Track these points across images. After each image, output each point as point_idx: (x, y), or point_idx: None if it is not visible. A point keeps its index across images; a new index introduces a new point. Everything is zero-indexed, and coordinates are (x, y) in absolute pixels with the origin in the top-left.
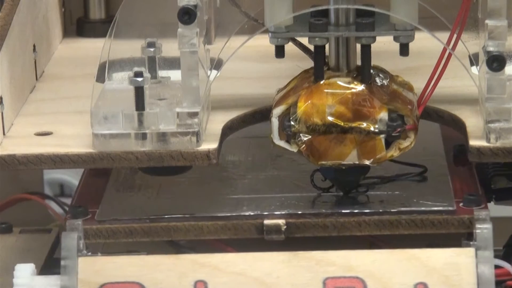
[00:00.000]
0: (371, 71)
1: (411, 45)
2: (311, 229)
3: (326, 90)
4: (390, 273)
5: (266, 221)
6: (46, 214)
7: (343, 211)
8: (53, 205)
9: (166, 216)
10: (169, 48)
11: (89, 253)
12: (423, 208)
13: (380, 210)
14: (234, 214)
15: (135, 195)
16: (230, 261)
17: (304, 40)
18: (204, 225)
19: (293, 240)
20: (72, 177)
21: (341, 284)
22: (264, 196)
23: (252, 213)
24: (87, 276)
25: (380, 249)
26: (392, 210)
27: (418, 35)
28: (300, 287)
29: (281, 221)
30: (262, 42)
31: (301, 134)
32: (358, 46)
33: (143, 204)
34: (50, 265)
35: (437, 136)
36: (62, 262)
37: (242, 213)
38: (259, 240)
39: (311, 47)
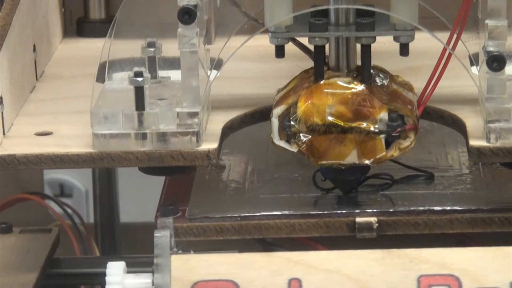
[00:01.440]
0: (371, 71)
1: (411, 45)
2: (402, 227)
3: (326, 90)
4: (485, 271)
5: (358, 219)
6: (46, 214)
7: (435, 208)
8: (53, 205)
9: (257, 214)
10: (169, 48)
11: (179, 251)
12: None
13: (473, 208)
14: (326, 212)
15: (223, 192)
16: (324, 259)
17: (304, 40)
18: (296, 223)
19: (383, 238)
20: (72, 177)
21: (435, 282)
22: (354, 194)
23: (344, 211)
24: (180, 274)
25: (474, 247)
26: (485, 208)
27: (418, 35)
28: (394, 285)
29: (373, 219)
30: (262, 42)
31: (301, 134)
32: (358, 46)
33: (232, 201)
34: (50, 265)
35: None
36: (155, 260)
37: (334, 211)
38: (348, 237)
39: (311, 47)
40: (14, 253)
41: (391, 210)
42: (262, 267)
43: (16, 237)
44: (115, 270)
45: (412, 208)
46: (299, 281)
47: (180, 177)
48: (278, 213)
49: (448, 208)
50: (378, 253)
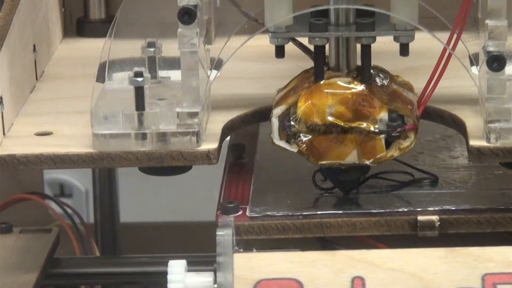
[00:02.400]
0: (371, 71)
1: (411, 45)
2: (464, 225)
3: (326, 90)
4: None
5: (420, 217)
6: (46, 214)
7: (498, 207)
8: (53, 205)
9: (319, 212)
10: (169, 48)
11: (241, 250)
12: None
13: None
14: (387, 210)
15: (281, 189)
16: (387, 257)
17: (304, 40)
18: (357, 221)
19: (444, 236)
20: (72, 177)
21: (500, 280)
22: (415, 193)
23: (405, 209)
24: (242, 273)
25: None
26: None
27: (418, 35)
28: (458, 283)
29: (434, 217)
30: (262, 42)
31: (301, 134)
32: (358, 46)
33: (291, 199)
34: (50, 265)
35: None
36: (217, 259)
37: (395, 209)
38: (408, 236)
39: (311, 47)
40: (14, 253)
41: (453, 208)
42: (325, 265)
43: (16, 237)
44: (176, 269)
45: (474, 206)
46: (362, 279)
47: (238, 174)
48: (340, 211)
49: None
50: (441, 251)
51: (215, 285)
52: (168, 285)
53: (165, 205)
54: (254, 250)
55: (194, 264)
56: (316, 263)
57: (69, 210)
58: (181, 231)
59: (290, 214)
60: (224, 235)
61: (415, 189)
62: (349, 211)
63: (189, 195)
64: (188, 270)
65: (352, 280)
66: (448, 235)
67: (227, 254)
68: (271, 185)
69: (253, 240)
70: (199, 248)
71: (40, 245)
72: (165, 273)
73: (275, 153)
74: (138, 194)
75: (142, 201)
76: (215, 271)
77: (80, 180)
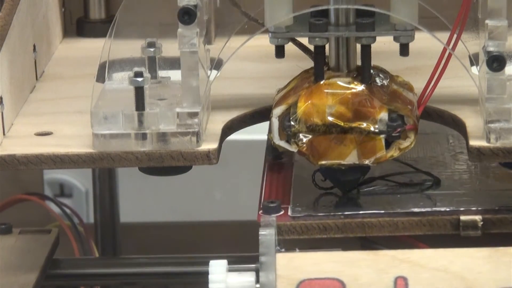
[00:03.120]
0: (371, 71)
1: (411, 45)
2: (508, 225)
3: (326, 90)
4: None
5: (463, 217)
6: (46, 214)
7: None
8: (53, 206)
9: (360, 212)
10: (169, 48)
11: (283, 249)
12: None
13: None
14: (429, 209)
15: (322, 189)
16: (430, 257)
17: (304, 40)
18: (399, 221)
19: (486, 236)
20: (72, 177)
21: None
22: (456, 192)
23: (448, 209)
24: (285, 273)
25: None
26: None
27: (418, 35)
28: (503, 283)
29: (477, 217)
30: (262, 42)
31: (301, 134)
32: (358, 46)
33: (333, 199)
34: (50, 266)
35: None
36: (260, 258)
37: (437, 209)
38: (450, 236)
39: (311, 47)
40: (13, 254)
41: (496, 208)
42: (368, 265)
43: (15, 238)
44: (218, 268)
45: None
46: (405, 279)
47: (278, 174)
48: (382, 211)
49: None
50: (484, 251)
51: (257, 285)
52: (210, 285)
53: (165, 205)
54: (297, 250)
55: (236, 263)
56: (358, 263)
57: (68, 211)
58: (181, 231)
59: (332, 214)
60: (267, 234)
61: (454, 188)
62: (391, 211)
63: (189, 195)
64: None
65: (395, 280)
66: (491, 235)
67: (270, 254)
68: (311, 184)
69: (293, 240)
70: (199, 249)
71: (39, 246)
72: (164, 274)
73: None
74: (138, 194)
75: (142, 201)
76: (257, 271)
77: (80, 180)
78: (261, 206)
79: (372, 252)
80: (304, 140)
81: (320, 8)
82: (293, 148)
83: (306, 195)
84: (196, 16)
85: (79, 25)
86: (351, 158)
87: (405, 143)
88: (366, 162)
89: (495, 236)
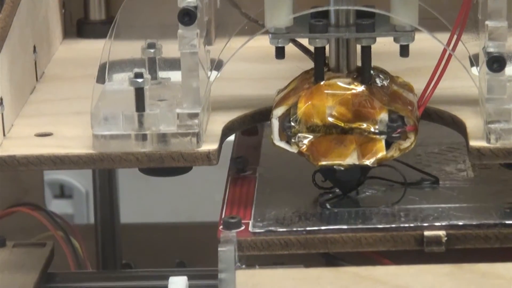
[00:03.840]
0: (371, 72)
1: (411, 46)
2: (472, 241)
3: (326, 91)
4: None
5: (426, 233)
6: (41, 224)
7: (506, 221)
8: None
9: (323, 228)
10: (170, 49)
11: (243, 266)
12: None
13: None
14: (393, 225)
15: (286, 203)
16: (393, 274)
17: (305, 41)
18: (363, 237)
19: (451, 252)
20: (72, 178)
21: None
22: (421, 207)
23: (411, 225)
24: None
25: None
26: None
27: (418, 36)
28: None
29: (441, 232)
30: (263, 43)
31: (301, 135)
32: (358, 47)
33: (295, 213)
34: (44, 280)
35: None
36: (220, 275)
37: (401, 225)
38: (414, 252)
39: (312, 48)
40: (7, 268)
41: (461, 223)
42: (330, 282)
43: (10, 251)
44: (177, 285)
45: (482, 222)
46: None
47: (240, 188)
48: (345, 226)
49: None
50: (448, 267)
51: None
52: None
53: (165, 206)
54: (257, 267)
55: (195, 278)
56: (320, 280)
57: (64, 219)
58: (181, 232)
59: (293, 229)
60: (226, 251)
61: (419, 203)
62: (354, 226)
63: (190, 196)
64: (190, 284)
65: None
66: (456, 250)
67: (230, 271)
68: (274, 199)
69: (256, 256)
70: (199, 249)
71: (34, 259)
72: (161, 287)
73: (278, 166)
74: (138, 195)
75: (143, 202)
76: None
77: (80, 181)
78: (222, 222)
79: (334, 269)
80: (304, 141)
81: (320, 9)
82: (293, 149)
83: (268, 210)
84: (196, 17)
85: (79, 26)
86: (351, 159)
87: (405, 144)
88: (366, 162)
89: (460, 251)
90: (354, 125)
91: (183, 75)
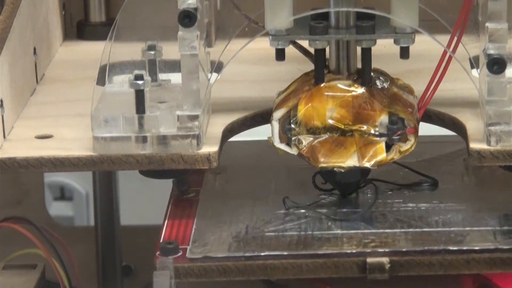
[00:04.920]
0: (372, 74)
1: (411, 48)
2: (416, 268)
3: (326, 93)
4: None
5: (369, 259)
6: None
7: (450, 248)
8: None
9: (262, 254)
10: (170, 51)
11: None
12: None
13: (491, 247)
14: (335, 251)
15: (226, 229)
16: None
17: (305, 43)
18: (304, 263)
19: (395, 279)
20: (72, 180)
21: None
22: (364, 232)
23: (354, 251)
24: None
25: None
26: (505, 247)
27: (418, 38)
28: None
29: (384, 259)
30: (263, 45)
31: (301, 137)
32: (359, 49)
33: (235, 239)
34: None
35: None
36: None
37: (344, 251)
38: (357, 278)
39: (312, 50)
40: None
41: (404, 250)
42: None
43: None
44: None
45: (426, 248)
46: None
47: (182, 212)
48: (285, 253)
49: (465, 248)
50: None
51: None
52: None
53: (165, 208)
54: None
55: None
56: None
57: (66, 218)
58: None
59: (232, 255)
60: (161, 277)
61: (364, 228)
62: (295, 252)
63: None
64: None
65: None
66: (399, 277)
67: None
68: (214, 223)
69: (194, 283)
70: None
71: (24, 281)
72: None
73: (221, 189)
74: (138, 197)
75: (143, 204)
76: None
77: (80, 183)
78: (159, 247)
79: None
80: (305, 143)
81: (320, 11)
82: (293, 151)
83: (207, 234)
84: (197, 19)
85: (79, 28)
86: (352, 161)
87: (406, 146)
88: (367, 164)
89: (404, 278)
90: (354, 127)
91: (183, 77)
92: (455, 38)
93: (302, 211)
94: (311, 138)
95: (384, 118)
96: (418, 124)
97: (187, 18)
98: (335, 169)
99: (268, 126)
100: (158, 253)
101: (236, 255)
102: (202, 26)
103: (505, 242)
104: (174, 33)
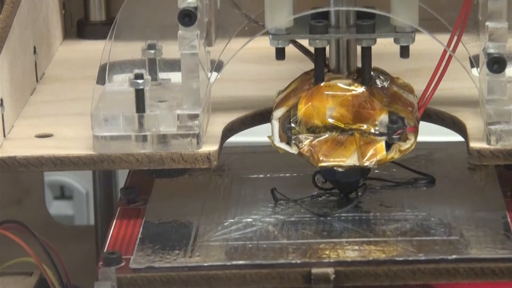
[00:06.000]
0: (372, 73)
1: (411, 47)
2: (361, 278)
3: (326, 92)
4: None
5: (314, 270)
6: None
7: (396, 258)
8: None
9: (205, 265)
10: (170, 50)
11: None
12: (483, 256)
13: (437, 258)
14: (279, 261)
15: (171, 238)
16: None
17: (305, 42)
18: (247, 274)
19: None
20: (72, 179)
21: None
22: (310, 242)
23: (298, 261)
24: None
25: None
26: (449, 258)
27: (418, 37)
28: None
29: (329, 270)
30: (263, 44)
31: (301, 136)
32: (359, 48)
33: (180, 249)
34: None
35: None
36: None
37: (288, 261)
38: None
39: (312, 49)
40: None
41: (349, 260)
42: None
43: None
44: None
45: (371, 258)
46: None
47: (128, 220)
48: (228, 263)
49: (411, 258)
50: None
51: None
52: None
53: None
54: None
55: None
56: None
57: (66, 217)
58: None
59: (175, 266)
60: None
61: (309, 238)
62: (238, 262)
63: None
64: None
65: None
66: None
67: None
68: (161, 232)
69: None
70: None
71: None
72: None
73: (170, 198)
74: None
75: None
76: None
77: (80, 182)
78: (102, 257)
79: None
80: (305, 142)
81: (320, 10)
82: (293, 150)
83: (152, 244)
84: (197, 18)
85: (79, 27)
86: (352, 160)
87: (406, 145)
88: (367, 164)
89: None
90: (354, 126)
91: (183, 76)
92: (455, 37)
93: (249, 220)
94: (311, 137)
95: (384, 117)
96: (418, 123)
97: (187, 17)
98: (335, 168)
99: (268, 125)
100: (100, 263)
101: (180, 265)
102: (202, 25)
103: (449, 253)
104: (174, 32)
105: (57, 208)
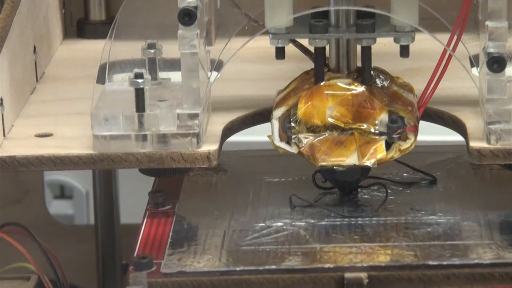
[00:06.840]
0: (372, 72)
1: (411, 46)
2: (395, 283)
3: (326, 92)
4: None
5: (347, 274)
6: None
7: (430, 263)
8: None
9: (237, 269)
10: (170, 49)
11: None
12: None
13: (471, 262)
14: (312, 266)
15: (202, 242)
16: None
17: (305, 42)
18: (280, 278)
19: None
20: (72, 178)
21: None
22: (342, 246)
23: (331, 266)
24: None
25: None
26: (485, 262)
27: (418, 37)
28: None
29: (363, 274)
30: (263, 44)
31: (301, 136)
32: (359, 47)
33: (211, 253)
34: None
35: None
36: None
37: (321, 266)
38: None
39: (312, 49)
40: None
41: (383, 265)
42: None
43: None
44: None
45: (405, 263)
46: None
47: (157, 225)
48: (261, 268)
49: (445, 263)
50: None
51: None
52: None
53: None
54: None
55: None
56: None
57: (66, 216)
58: None
59: (207, 270)
60: None
61: (342, 242)
62: (271, 267)
63: None
64: None
65: None
66: None
67: None
68: (190, 236)
69: None
70: None
71: None
72: None
73: (198, 202)
74: (138, 195)
75: (142, 202)
76: None
77: (80, 182)
78: (133, 261)
79: None
80: (305, 141)
81: (320, 9)
82: (293, 150)
83: (183, 248)
84: (197, 17)
85: (79, 26)
86: (352, 159)
87: (406, 145)
88: (367, 163)
89: None
90: (354, 126)
91: (183, 75)
92: (455, 37)
93: (280, 224)
94: (311, 137)
95: (384, 117)
96: (418, 122)
97: (187, 16)
98: (335, 167)
99: (268, 124)
100: (131, 267)
101: (211, 270)
102: (202, 24)
103: (486, 257)
104: (174, 32)
105: (57, 207)
